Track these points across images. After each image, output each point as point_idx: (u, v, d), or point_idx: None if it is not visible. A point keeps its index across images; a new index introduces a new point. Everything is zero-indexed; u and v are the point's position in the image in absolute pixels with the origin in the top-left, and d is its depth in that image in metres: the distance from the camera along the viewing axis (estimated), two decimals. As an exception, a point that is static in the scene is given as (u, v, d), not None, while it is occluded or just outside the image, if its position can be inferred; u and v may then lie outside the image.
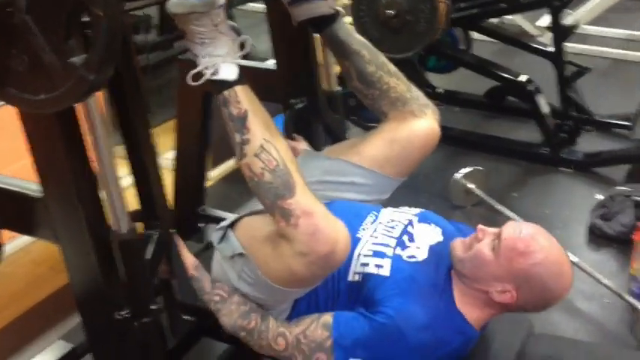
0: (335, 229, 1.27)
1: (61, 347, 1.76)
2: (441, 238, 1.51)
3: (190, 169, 2.15)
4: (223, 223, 1.58)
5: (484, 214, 2.75)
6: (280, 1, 1.60)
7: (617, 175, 3.02)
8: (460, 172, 2.77)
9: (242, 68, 1.36)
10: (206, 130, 2.08)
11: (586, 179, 3.05)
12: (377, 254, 1.44)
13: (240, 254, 1.44)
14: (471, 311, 1.41)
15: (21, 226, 1.43)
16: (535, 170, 3.15)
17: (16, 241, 2.33)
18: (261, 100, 1.43)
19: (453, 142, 3.34)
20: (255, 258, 1.40)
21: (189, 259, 1.50)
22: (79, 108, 1.19)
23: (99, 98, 1.18)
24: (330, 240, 1.25)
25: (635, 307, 2.07)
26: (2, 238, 1.71)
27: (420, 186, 3.00)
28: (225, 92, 1.32)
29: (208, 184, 2.24)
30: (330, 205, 1.62)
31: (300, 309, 1.45)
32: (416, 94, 1.66)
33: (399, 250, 1.45)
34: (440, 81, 3.70)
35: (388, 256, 1.44)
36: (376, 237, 1.49)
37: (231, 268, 1.47)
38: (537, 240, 1.37)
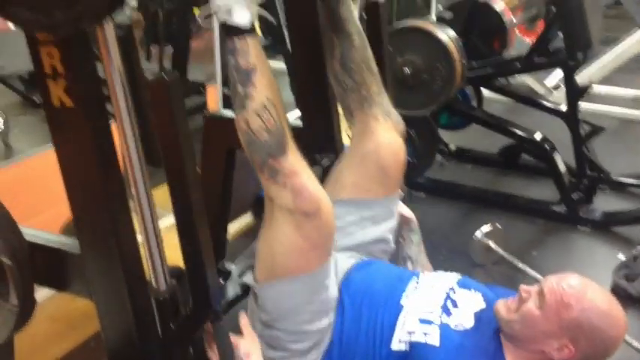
0: (319, 192, 1.33)
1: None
2: (483, 305, 1.48)
3: (212, 224, 2.11)
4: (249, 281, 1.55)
5: (505, 272, 2.70)
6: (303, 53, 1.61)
7: (637, 235, 2.98)
8: (481, 229, 2.74)
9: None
10: (228, 185, 2.05)
11: (606, 238, 3.01)
12: (423, 322, 1.41)
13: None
14: None
15: (55, 282, 1.38)
16: (553, 229, 3.12)
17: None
18: None
19: (468, 200, 3.33)
20: (264, 264, 1.42)
21: (247, 328, 1.46)
22: (119, 150, 1.16)
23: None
24: (314, 200, 1.31)
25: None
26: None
27: (437, 243, 2.95)
28: (236, 39, 1.30)
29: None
30: (371, 264, 1.59)
31: None
32: (384, 100, 1.69)
33: (445, 318, 1.42)
34: (451, 138, 3.72)
35: (435, 324, 1.40)
36: (421, 304, 1.46)
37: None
38: (579, 287, 1.35)
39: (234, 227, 2.98)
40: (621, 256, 2.70)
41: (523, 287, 1.40)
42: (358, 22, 1.69)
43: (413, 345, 1.37)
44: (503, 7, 3.43)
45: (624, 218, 3.04)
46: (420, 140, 3.13)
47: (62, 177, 1.19)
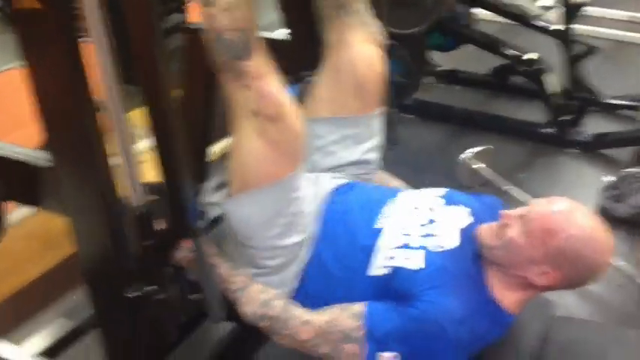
0: (283, 96, 1.31)
1: (62, 325, 1.69)
2: (471, 219, 1.43)
3: (194, 144, 2.07)
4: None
5: (493, 194, 2.67)
6: None
7: (624, 157, 2.97)
8: (469, 151, 2.71)
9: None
10: (211, 104, 1.99)
11: (594, 161, 3.00)
12: (404, 245, 1.37)
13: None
14: (508, 296, 1.35)
15: (27, 198, 1.34)
16: (541, 151, 3.10)
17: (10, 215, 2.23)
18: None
19: (457, 121, 3.29)
20: (235, 174, 1.40)
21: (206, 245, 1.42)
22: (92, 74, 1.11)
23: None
24: (279, 103, 1.30)
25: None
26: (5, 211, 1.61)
27: (424, 164, 2.94)
28: None
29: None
30: (354, 187, 1.55)
31: (307, 289, 1.41)
32: (361, 8, 1.62)
33: (427, 240, 1.38)
34: (442, 60, 3.63)
35: (416, 248, 1.36)
36: (403, 227, 1.42)
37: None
38: (565, 213, 1.31)
39: (222, 147, 2.93)
40: (608, 178, 2.68)
41: (505, 212, 1.36)
42: None
43: (393, 269, 1.34)
44: None
45: (612, 140, 3.02)
46: (412, 60, 3.05)
47: (31, 87, 1.13)
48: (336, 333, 1.31)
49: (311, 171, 1.56)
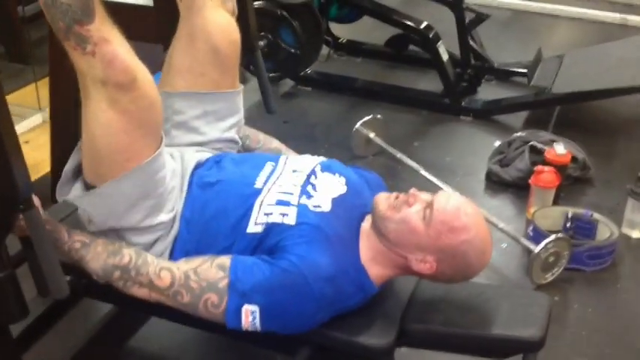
0: (132, 61, 1.21)
1: None
2: (344, 189, 1.43)
3: (66, 125, 1.97)
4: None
5: (385, 163, 2.69)
6: None
7: (517, 123, 3.03)
8: (361, 121, 2.70)
9: (114, 6, 1.22)
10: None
11: (486, 127, 3.05)
12: (281, 203, 1.36)
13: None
14: (375, 268, 1.35)
15: None
16: (436, 119, 3.13)
17: None
18: (140, 41, 1.30)
19: (355, 93, 3.29)
20: (90, 162, 1.32)
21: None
22: None
23: None
24: (129, 69, 1.20)
25: (531, 250, 2.07)
26: None
27: (319, 136, 2.94)
28: None
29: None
30: (223, 158, 1.51)
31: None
32: None
33: (304, 199, 1.37)
34: (342, 31, 3.62)
35: (293, 205, 1.35)
36: (280, 185, 1.40)
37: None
38: (469, 217, 1.32)
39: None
40: (498, 143, 2.73)
41: (414, 192, 1.35)
42: None
43: (269, 226, 1.32)
44: None
45: (503, 106, 3.07)
46: (304, 31, 3.01)
47: None
48: (198, 282, 1.27)
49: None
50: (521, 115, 3.08)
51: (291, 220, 1.33)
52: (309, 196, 1.38)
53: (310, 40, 3.07)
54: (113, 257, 1.30)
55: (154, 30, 1.74)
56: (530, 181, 2.34)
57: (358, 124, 2.70)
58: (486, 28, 3.36)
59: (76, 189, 1.39)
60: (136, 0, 1.81)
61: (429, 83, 3.31)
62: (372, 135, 2.70)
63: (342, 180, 1.45)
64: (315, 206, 1.36)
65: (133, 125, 1.25)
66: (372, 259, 1.35)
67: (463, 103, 3.11)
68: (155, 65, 1.65)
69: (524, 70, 3.24)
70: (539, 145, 2.51)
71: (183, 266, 1.30)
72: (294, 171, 1.45)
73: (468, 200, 1.37)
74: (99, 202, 1.33)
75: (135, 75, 1.21)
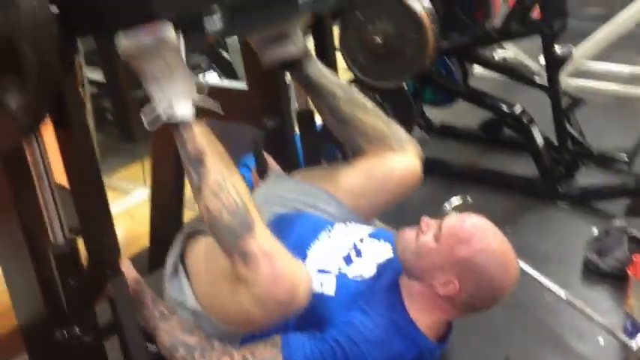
0: (295, 274, 1.20)
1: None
2: (391, 255, 1.44)
3: (166, 201, 2.08)
4: (172, 256, 1.50)
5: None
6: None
7: (616, 210, 2.90)
8: (449, 201, 2.67)
9: (213, 90, 1.31)
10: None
11: (584, 214, 2.93)
12: (321, 272, 1.39)
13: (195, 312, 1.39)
14: (422, 317, 1.35)
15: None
16: (531, 205, 3.04)
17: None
18: (234, 121, 1.37)
19: (447, 175, 3.27)
20: (211, 303, 1.35)
21: (131, 273, 1.41)
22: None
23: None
24: (290, 286, 1.18)
25: (627, 345, 1.95)
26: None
27: (410, 218, 2.90)
28: (182, 131, 1.24)
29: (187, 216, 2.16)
30: (287, 217, 1.55)
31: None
32: (395, 129, 1.64)
33: (344, 268, 1.40)
34: (437, 115, 3.64)
35: (332, 273, 1.38)
36: (324, 254, 1.43)
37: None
38: (479, 228, 1.32)
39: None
40: (596, 231, 2.63)
41: (424, 218, 1.38)
42: (333, 76, 1.66)
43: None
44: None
45: (601, 193, 2.96)
46: (395, 114, 3.06)
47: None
48: None
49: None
50: (621, 203, 2.94)
51: (329, 289, 1.35)
52: (350, 263, 1.41)
53: (401, 122, 3.11)
54: (183, 334, 1.35)
55: (248, 111, 1.83)
56: (628, 271, 2.23)
57: (446, 205, 2.67)
58: (586, 113, 3.30)
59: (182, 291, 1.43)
60: (233, 84, 1.93)
61: (525, 167, 3.24)
62: (461, 217, 2.67)
63: (389, 246, 1.46)
64: (355, 275, 1.39)
65: (272, 324, 1.26)
66: (418, 308, 1.35)
67: (560, 189, 3.03)
68: (246, 144, 1.75)
69: (624, 155, 3.14)
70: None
71: (243, 350, 1.32)
72: (342, 237, 1.48)
73: (479, 216, 1.36)
74: (206, 325, 1.37)
75: (297, 290, 1.20)
